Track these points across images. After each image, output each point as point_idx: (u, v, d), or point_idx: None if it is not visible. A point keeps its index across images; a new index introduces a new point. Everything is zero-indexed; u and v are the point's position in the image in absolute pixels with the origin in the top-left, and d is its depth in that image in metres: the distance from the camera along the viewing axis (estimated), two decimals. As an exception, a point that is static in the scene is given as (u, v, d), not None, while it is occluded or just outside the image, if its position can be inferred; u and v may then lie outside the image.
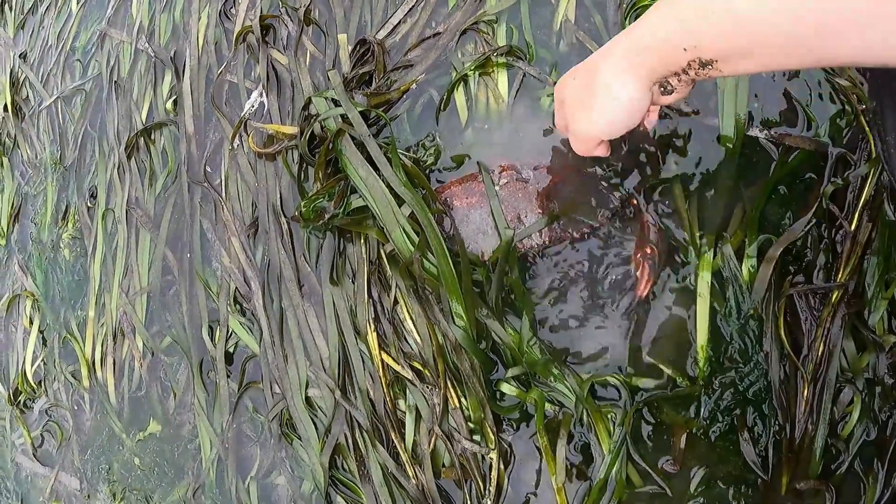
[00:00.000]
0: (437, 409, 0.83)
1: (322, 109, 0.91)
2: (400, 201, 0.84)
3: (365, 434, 0.87)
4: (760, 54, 0.50)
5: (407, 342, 0.87)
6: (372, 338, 0.87)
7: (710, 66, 0.54)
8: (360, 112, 0.88)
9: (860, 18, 0.43)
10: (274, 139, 0.98)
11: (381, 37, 0.96)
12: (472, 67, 0.90)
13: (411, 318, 0.86)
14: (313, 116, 0.91)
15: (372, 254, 0.89)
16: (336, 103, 0.90)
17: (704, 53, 0.53)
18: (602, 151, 0.72)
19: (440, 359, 0.83)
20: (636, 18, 0.85)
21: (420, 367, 0.85)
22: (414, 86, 0.93)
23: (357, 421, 0.87)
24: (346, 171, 0.87)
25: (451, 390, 0.83)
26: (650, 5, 0.85)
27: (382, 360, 0.87)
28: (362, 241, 0.89)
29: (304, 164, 0.96)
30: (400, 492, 0.86)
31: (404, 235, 0.83)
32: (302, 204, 0.90)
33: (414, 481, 0.85)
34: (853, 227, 0.76)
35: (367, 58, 0.95)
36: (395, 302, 0.88)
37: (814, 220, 0.76)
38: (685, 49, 0.54)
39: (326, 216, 0.88)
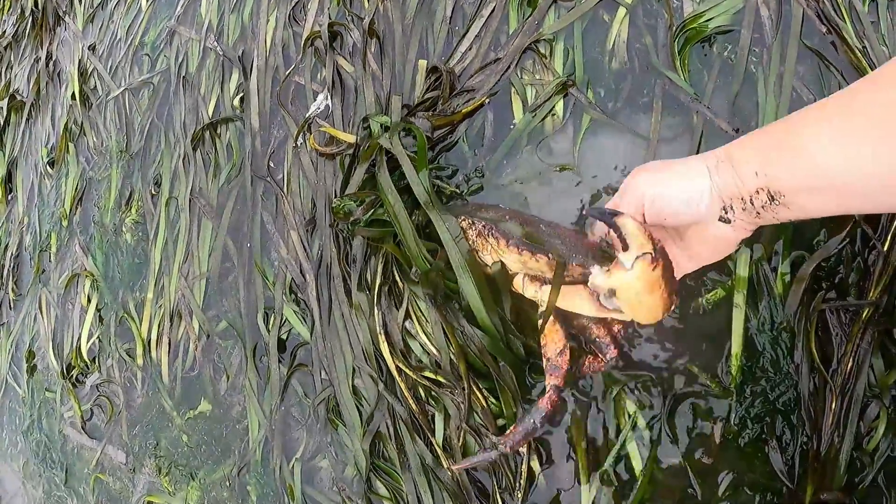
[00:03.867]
0: (463, 408, 0.91)
1: (376, 130, 1.01)
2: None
3: (403, 425, 0.97)
4: (829, 197, 0.56)
5: (415, 354, 0.96)
6: (384, 347, 0.96)
7: (777, 202, 0.59)
8: (424, 134, 0.98)
9: None
10: (334, 140, 1.10)
11: (451, 65, 1.06)
12: (533, 110, 0.99)
13: (424, 330, 0.95)
14: (370, 130, 1.02)
15: (386, 269, 0.98)
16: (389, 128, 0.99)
17: (773, 184, 0.58)
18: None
19: (461, 361, 0.90)
20: (684, 41, 0.96)
21: (433, 376, 0.93)
22: (487, 100, 1.03)
23: (397, 412, 0.97)
24: (379, 191, 0.96)
25: (477, 391, 0.91)
26: (698, 28, 0.96)
27: (398, 366, 0.96)
28: (381, 254, 0.98)
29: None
30: (436, 482, 0.94)
31: (422, 257, 0.92)
32: (335, 200, 1.00)
33: (449, 472, 0.94)
34: (886, 247, 0.82)
35: (437, 85, 1.04)
36: (407, 317, 0.96)
37: (847, 239, 0.82)
38: (756, 174, 0.59)
39: (351, 219, 0.98)
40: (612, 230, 0.65)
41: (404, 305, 0.96)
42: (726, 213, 0.65)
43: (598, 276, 0.67)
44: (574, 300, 0.77)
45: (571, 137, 0.96)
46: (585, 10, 1.01)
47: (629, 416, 0.87)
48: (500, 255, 0.83)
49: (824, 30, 0.89)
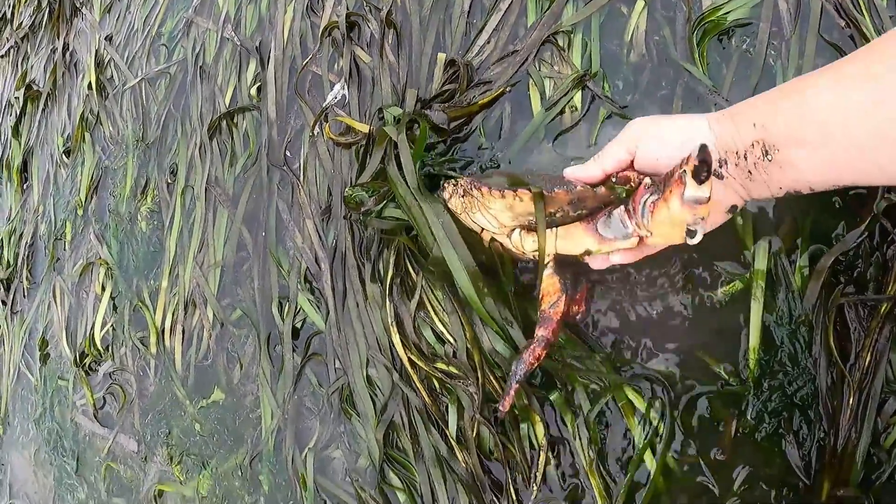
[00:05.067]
0: (477, 399, 0.90)
1: (389, 121, 1.01)
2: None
3: (418, 415, 0.96)
4: (822, 155, 0.55)
5: (427, 342, 0.96)
6: (396, 339, 0.96)
7: (770, 157, 0.58)
8: (440, 125, 0.99)
9: None
10: (350, 130, 1.11)
11: (469, 58, 1.06)
12: (549, 107, 0.99)
13: (440, 319, 0.95)
14: (384, 121, 1.02)
15: (399, 260, 0.98)
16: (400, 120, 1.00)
17: (769, 135, 0.58)
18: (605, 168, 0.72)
19: (475, 350, 0.90)
20: (703, 33, 0.96)
21: (445, 367, 0.93)
22: (509, 89, 1.02)
23: (412, 402, 0.97)
24: (390, 182, 0.96)
25: (494, 380, 0.90)
26: (716, 21, 0.96)
27: (410, 359, 0.96)
28: (393, 245, 0.98)
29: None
30: (450, 473, 0.94)
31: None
32: (347, 189, 1.00)
33: (463, 464, 0.94)
34: None
35: (454, 78, 1.04)
36: (419, 307, 0.96)
37: (866, 233, 0.81)
38: (754, 125, 0.59)
39: (363, 209, 0.97)
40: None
41: (416, 296, 0.96)
42: (720, 166, 0.63)
43: (691, 188, 0.58)
44: (574, 239, 0.76)
45: (587, 131, 0.96)
46: (603, 2, 1.01)
47: (641, 411, 0.86)
48: (487, 208, 0.80)
49: (843, 24, 0.88)
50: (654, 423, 0.86)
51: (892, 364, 0.81)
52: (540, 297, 0.81)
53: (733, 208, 0.67)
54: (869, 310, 0.83)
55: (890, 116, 0.50)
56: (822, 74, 0.57)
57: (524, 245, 0.81)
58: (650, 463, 0.85)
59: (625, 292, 0.90)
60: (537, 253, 0.80)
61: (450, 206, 0.87)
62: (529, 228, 0.80)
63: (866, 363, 0.83)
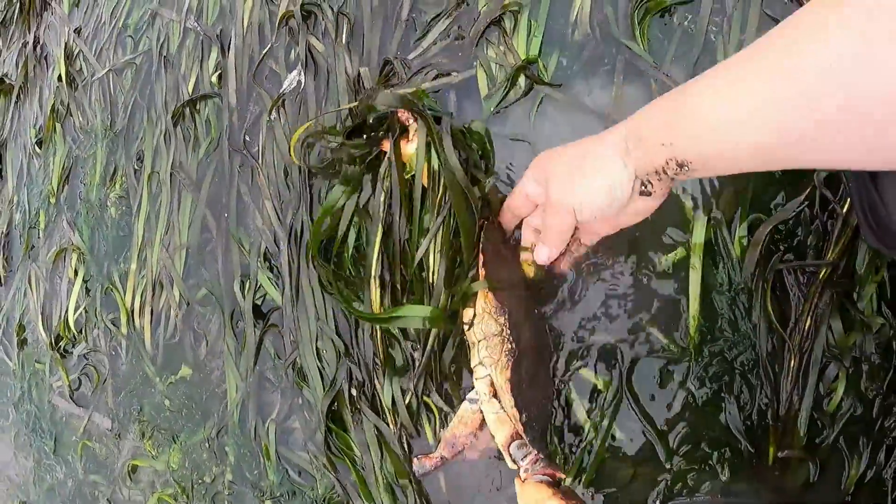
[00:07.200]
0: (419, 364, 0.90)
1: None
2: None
3: (356, 390, 0.96)
4: (730, 160, 0.52)
5: None
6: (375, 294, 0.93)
7: (686, 168, 0.55)
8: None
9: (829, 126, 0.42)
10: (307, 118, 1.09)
11: (411, 57, 1.04)
12: (496, 103, 0.97)
13: None
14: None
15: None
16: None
17: (678, 153, 0.55)
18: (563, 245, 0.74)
19: None
20: (644, 11, 0.94)
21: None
22: (455, 74, 1.00)
23: (354, 375, 0.96)
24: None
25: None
26: (658, -1, 0.94)
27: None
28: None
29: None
30: (387, 451, 0.94)
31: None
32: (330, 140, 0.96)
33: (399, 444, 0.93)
34: (845, 209, 0.80)
35: (391, 75, 1.03)
36: None
37: (806, 202, 0.80)
38: (663, 144, 0.55)
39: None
40: None
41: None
42: (646, 187, 0.62)
43: None
44: None
45: (529, 109, 0.96)
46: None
47: (592, 383, 0.85)
48: None
49: (786, -3, 0.87)
50: (603, 391, 0.84)
51: (833, 330, 0.80)
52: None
53: None
54: (808, 276, 0.83)
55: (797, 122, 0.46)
56: (706, 80, 0.53)
57: None
58: (593, 431, 0.84)
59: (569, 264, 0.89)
60: None
61: None
62: None
63: (806, 327, 0.82)
